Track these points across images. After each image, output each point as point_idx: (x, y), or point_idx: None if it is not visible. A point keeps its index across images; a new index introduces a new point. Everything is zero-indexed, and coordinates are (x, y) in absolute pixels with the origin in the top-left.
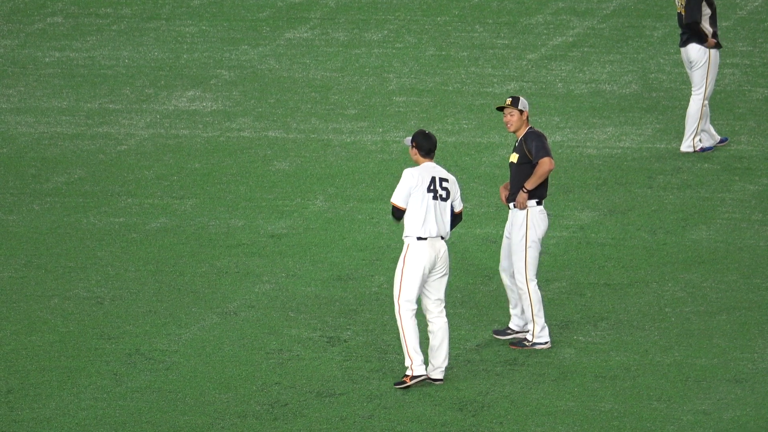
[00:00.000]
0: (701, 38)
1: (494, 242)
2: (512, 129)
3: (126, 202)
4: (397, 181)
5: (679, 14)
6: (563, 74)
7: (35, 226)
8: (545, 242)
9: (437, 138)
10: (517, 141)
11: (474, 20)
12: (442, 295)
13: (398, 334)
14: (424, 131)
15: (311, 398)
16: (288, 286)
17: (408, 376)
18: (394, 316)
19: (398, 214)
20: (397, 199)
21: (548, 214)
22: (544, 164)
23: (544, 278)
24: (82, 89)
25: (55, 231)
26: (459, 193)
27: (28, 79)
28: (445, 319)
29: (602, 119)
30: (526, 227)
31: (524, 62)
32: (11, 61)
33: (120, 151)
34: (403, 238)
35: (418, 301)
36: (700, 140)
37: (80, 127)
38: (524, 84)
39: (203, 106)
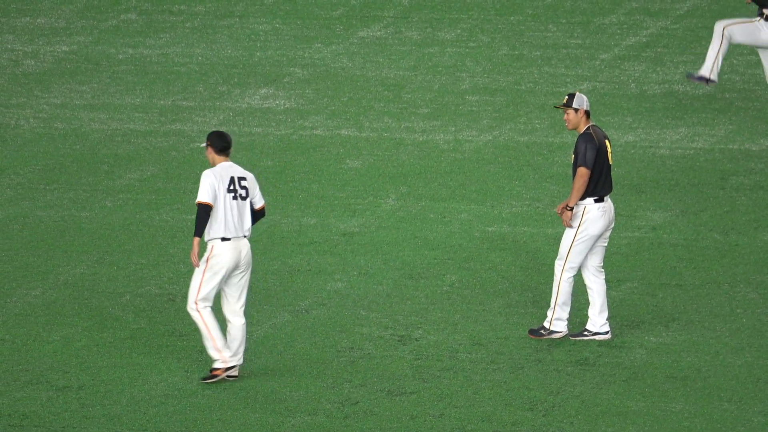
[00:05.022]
0: None
1: None
2: (570, 127)
3: None
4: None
5: None
6: (636, 74)
7: (108, 222)
8: (616, 242)
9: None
10: None
11: (547, 20)
12: (243, 295)
13: (201, 333)
14: (218, 131)
15: (382, 396)
16: (359, 285)
17: (220, 369)
18: (191, 317)
19: (205, 211)
20: (204, 196)
21: (614, 213)
22: (579, 176)
23: (614, 278)
24: (155, 86)
25: (127, 228)
26: (258, 190)
27: (101, 76)
28: (244, 319)
29: (675, 120)
30: (580, 222)
31: (597, 62)
32: (85, 58)
33: (193, 148)
34: (206, 240)
35: (217, 299)
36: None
37: (153, 124)
38: (597, 84)
39: (276, 104)
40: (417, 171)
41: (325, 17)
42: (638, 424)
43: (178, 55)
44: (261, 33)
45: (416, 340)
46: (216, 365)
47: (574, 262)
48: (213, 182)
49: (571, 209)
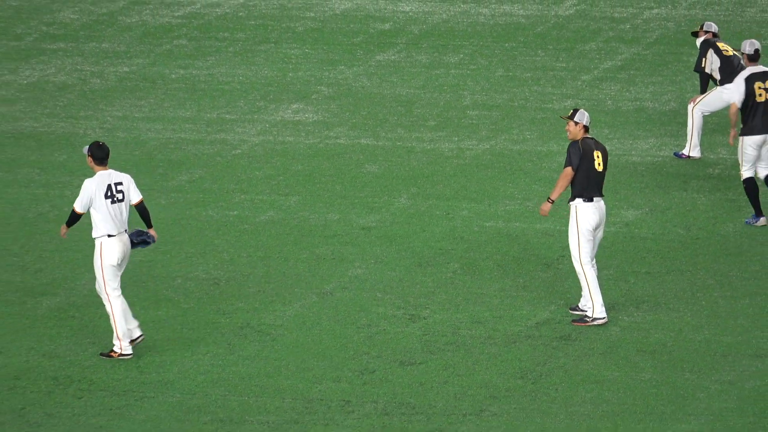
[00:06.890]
0: None
1: (551, 236)
2: (570, 137)
3: (239, 198)
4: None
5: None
6: (612, 93)
7: (162, 217)
8: None
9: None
10: None
11: (537, 46)
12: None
13: (109, 317)
14: (98, 142)
15: (395, 366)
16: (376, 271)
17: (116, 352)
18: (106, 305)
19: (74, 217)
20: (78, 206)
21: (605, 213)
22: (563, 174)
23: None
24: (203, 101)
25: (178, 222)
26: (132, 187)
27: (157, 93)
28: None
29: (645, 132)
30: (576, 221)
31: (579, 82)
32: (143, 78)
33: (234, 154)
34: (93, 237)
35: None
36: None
37: (201, 134)
38: (579, 101)
39: (306, 117)
40: (425, 174)
41: (348, 43)
42: (613, 391)
43: (223, 75)
44: (293, 56)
45: (424, 318)
46: (114, 348)
47: (586, 255)
48: (91, 193)
49: (552, 202)
